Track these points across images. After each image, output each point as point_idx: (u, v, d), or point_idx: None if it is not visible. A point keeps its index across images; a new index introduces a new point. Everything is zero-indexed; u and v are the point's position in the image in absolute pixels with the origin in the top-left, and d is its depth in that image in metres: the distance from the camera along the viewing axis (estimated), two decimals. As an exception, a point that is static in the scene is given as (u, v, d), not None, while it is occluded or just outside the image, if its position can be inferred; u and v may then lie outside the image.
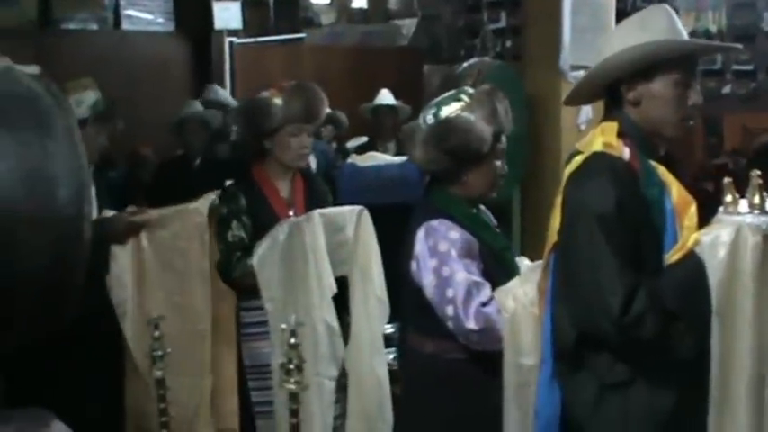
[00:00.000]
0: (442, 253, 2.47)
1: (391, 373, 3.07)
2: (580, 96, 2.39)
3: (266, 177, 3.22)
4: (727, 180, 1.99)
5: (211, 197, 3.16)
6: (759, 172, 1.96)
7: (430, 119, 2.58)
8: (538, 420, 2.21)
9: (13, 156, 0.99)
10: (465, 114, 2.51)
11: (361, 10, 9.99)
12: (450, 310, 2.43)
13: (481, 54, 5.90)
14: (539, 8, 4.98)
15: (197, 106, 5.62)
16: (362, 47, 8.41)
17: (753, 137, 5.57)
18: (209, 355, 3.14)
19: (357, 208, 3.04)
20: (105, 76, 3.87)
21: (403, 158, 4.49)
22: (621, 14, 3.06)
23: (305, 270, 2.95)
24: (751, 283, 1.88)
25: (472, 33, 8.20)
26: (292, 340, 2.07)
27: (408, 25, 8.99)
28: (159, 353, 2.41)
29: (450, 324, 2.44)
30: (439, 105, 2.59)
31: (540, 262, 2.34)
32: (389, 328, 3.47)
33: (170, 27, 6.89)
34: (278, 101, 3.14)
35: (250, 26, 7.78)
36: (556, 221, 2.15)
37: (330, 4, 10.22)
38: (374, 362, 3.02)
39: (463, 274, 2.44)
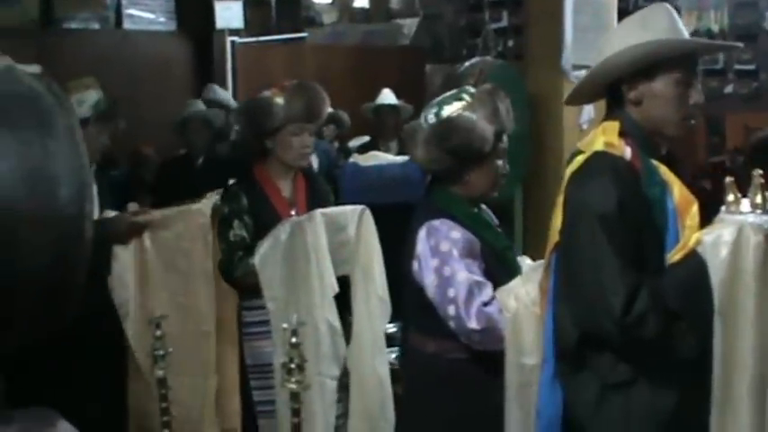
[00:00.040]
0: (443, 253, 2.46)
1: (393, 372, 3.07)
2: (581, 96, 2.39)
3: (268, 177, 3.22)
4: (728, 179, 1.99)
5: (214, 198, 3.16)
6: (761, 171, 1.96)
7: (431, 118, 2.58)
8: (539, 420, 2.21)
9: (15, 155, 0.99)
10: (467, 114, 2.51)
11: (362, 9, 9.99)
12: (451, 310, 2.43)
13: (483, 53, 5.92)
14: (540, 7, 4.97)
15: (200, 105, 5.62)
16: (364, 46, 8.41)
17: (754, 136, 5.55)
18: (213, 355, 3.14)
19: (359, 207, 3.04)
20: (107, 76, 3.88)
21: (405, 158, 4.48)
22: (623, 14, 3.05)
23: (307, 269, 2.95)
24: (753, 283, 1.87)
25: (474, 33, 8.22)
26: (294, 340, 2.06)
27: (410, 25, 9.00)
28: (161, 352, 2.41)
29: (451, 324, 2.44)
30: (440, 105, 2.59)
31: (541, 261, 2.34)
32: (391, 328, 3.47)
33: (172, 26, 6.90)
34: (279, 100, 3.14)
35: (252, 25, 7.78)
36: (557, 221, 2.15)
37: (332, 4, 10.22)
38: (376, 361, 3.01)
39: (465, 273, 2.43)
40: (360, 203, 3.07)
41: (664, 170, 2.11)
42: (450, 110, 2.54)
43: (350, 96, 6.21)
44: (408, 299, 2.63)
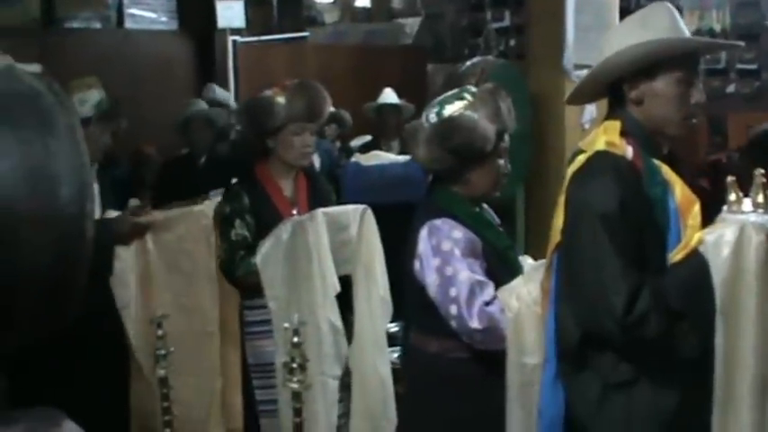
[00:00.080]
0: (445, 252, 2.46)
1: (395, 372, 3.07)
2: (583, 95, 2.39)
3: (269, 176, 3.22)
4: (730, 179, 1.99)
5: (217, 199, 3.16)
6: (763, 171, 1.96)
7: (433, 117, 2.57)
8: (541, 420, 2.21)
9: (15, 154, 0.99)
10: (468, 113, 2.51)
11: (364, 9, 9.99)
12: (453, 310, 2.42)
13: (485, 53, 5.91)
14: (542, 7, 4.97)
15: (202, 105, 5.62)
16: (366, 46, 8.41)
17: (756, 135, 5.54)
18: (217, 356, 3.14)
19: (360, 207, 3.04)
20: (109, 75, 3.88)
21: (407, 157, 4.48)
22: (625, 13, 3.05)
23: (308, 269, 2.95)
24: (755, 282, 1.87)
25: (476, 32, 8.22)
26: (296, 339, 2.07)
27: (412, 24, 9.00)
28: (162, 352, 2.41)
29: (453, 323, 2.44)
30: (442, 104, 2.58)
31: (543, 261, 2.34)
32: (393, 327, 3.47)
33: (173, 26, 6.90)
34: (281, 99, 3.14)
35: (253, 25, 7.79)
36: (559, 220, 2.15)
37: (333, 3, 10.22)
38: (377, 361, 3.01)
39: (466, 273, 2.43)
40: (361, 203, 3.07)
41: (665, 170, 2.11)
42: (452, 109, 2.54)
43: (351, 96, 6.21)
44: (410, 298, 2.63)
